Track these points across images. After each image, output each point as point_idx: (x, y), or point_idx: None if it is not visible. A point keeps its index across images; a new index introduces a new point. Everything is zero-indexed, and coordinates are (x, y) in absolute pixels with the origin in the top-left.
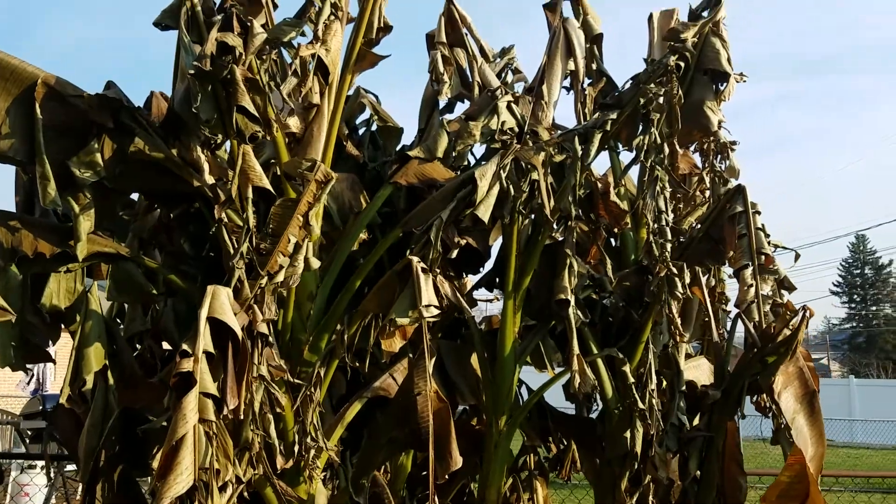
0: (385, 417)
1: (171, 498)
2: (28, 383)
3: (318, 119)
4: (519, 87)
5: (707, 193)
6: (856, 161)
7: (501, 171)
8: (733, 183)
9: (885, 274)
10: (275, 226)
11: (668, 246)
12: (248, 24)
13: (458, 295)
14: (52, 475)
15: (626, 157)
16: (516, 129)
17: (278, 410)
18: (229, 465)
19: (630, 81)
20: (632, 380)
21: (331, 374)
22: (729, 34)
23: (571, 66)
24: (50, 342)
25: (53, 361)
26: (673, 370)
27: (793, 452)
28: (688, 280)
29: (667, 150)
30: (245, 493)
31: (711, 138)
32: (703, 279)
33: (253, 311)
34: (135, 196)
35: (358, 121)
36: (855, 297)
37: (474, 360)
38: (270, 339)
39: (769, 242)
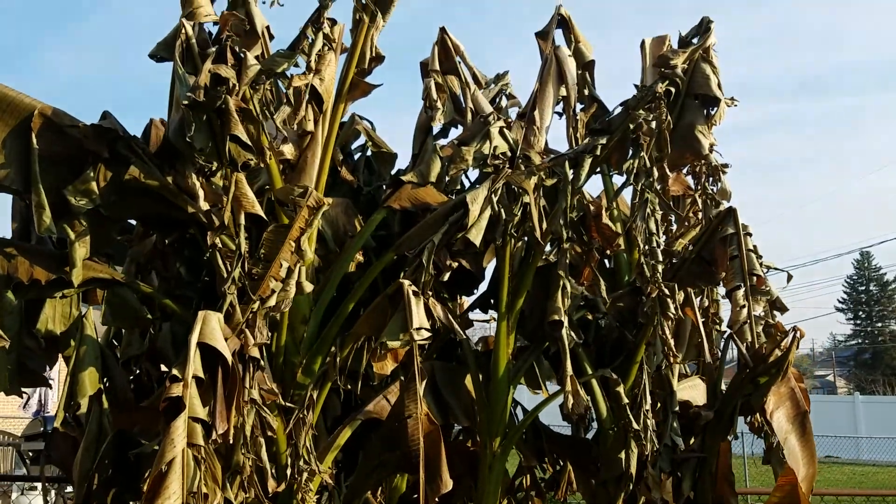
0: (377, 440)
1: None
2: (27, 405)
3: (313, 146)
4: (513, 112)
5: (700, 215)
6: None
7: (493, 196)
8: (725, 205)
9: (890, 290)
10: (267, 251)
11: (660, 267)
12: (242, 55)
13: (451, 317)
14: (49, 498)
15: (618, 179)
16: (508, 154)
17: (270, 434)
18: (217, 489)
19: (620, 107)
20: (626, 400)
21: (324, 396)
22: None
23: (563, 91)
24: (47, 367)
25: (50, 386)
26: (666, 391)
27: (784, 473)
28: (680, 301)
29: (657, 173)
30: None
31: (703, 161)
32: (696, 300)
33: (244, 336)
34: (131, 222)
35: (353, 146)
36: (860, 313)
37: (468, 381)
38: (262, 362)
39: (761, 264)
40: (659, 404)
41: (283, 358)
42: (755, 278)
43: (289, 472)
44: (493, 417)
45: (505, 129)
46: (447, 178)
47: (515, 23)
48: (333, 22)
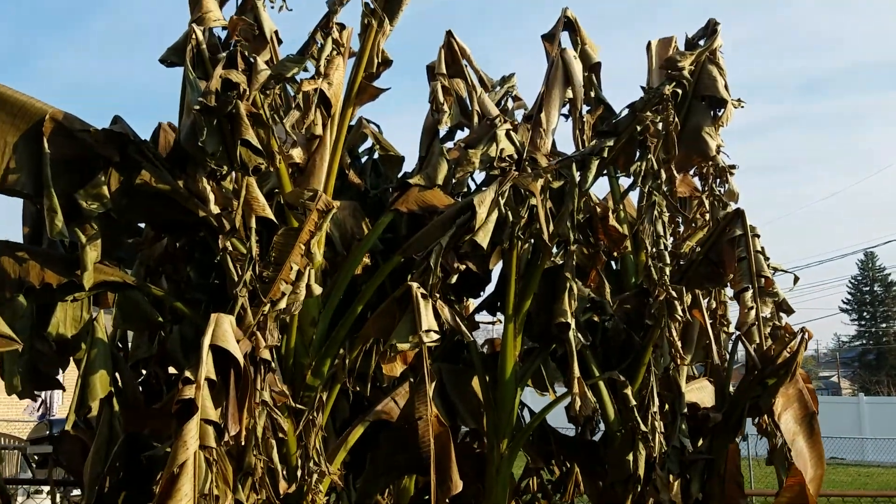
0: (387, 442)
1: None
2: (37, 409)
3: (321, 150)
4: (519, 114)
5: (707, 216)
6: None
7: (500, 198)
8: (732, 206)
9: (894, 291)
10: (277, 254)
11: (668, 269)
12: (252, 60)
13: (458, 319)
14: (57, 501)
15: (625, 181)
16: (515, 157)
17: (281, 435)
18: (228, 491)
19: (626, 109)
20: (633, 402)
21: (333, 398)
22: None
23: (570, 94)
24: (60, 369)
25: (63, 388)
26: (674, 392)
27: (792, 473)
28: (688, 303)
29: (664, 175)
30: None
31: (710, 163)
32: (704, 302)
33: (256, 338)
34: (141, 225)
35: (360, 150)
36: (864, 314)
37: (475, 383)
38: (273, 364)
39: (769, 265)
40: (667, 406)
41: (293, 360)
42: (763, 280)
43: (299, 473)
44: (501, 419)
45: (511, 132)
46: (454, 181)
47: (517, 24)
48: (342, 26)
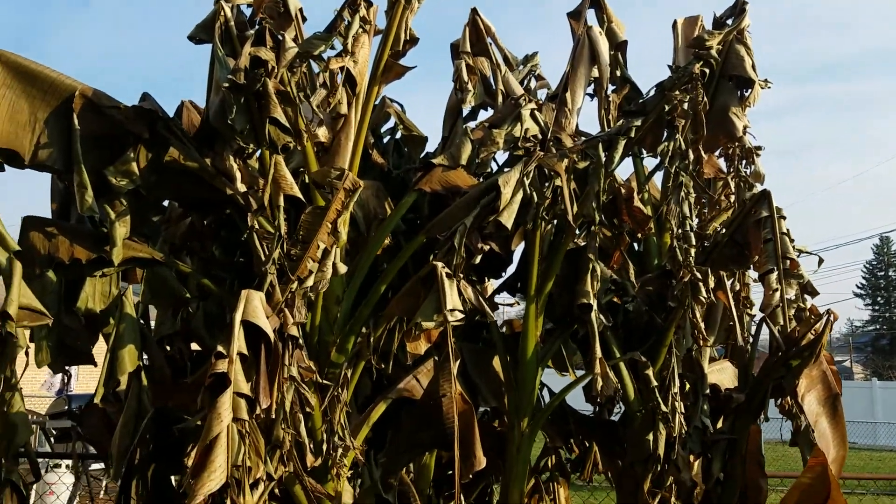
0: (410, 418)
1: (205, 495)
2: (50, 384)
3: (346, 129)
4: (542, 94)
5: (732, 198)
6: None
7: (525, 178)
8: (758, 187)
9: None
10: (305, 233)
11: (693, 251)
12: (280, 38)
13: (481, 299)
14: (79, 473)
15: (649, 162)
16: (539, 137)
17: (308, 410)
18: (260, 463)
19: (654, 88)
20: (654, 383)
21: (357, 375)
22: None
23: (595, 73)
24: (90, 345)
25: (94, 363)
26: (696, 374)
27: (814, 454)
28: (712, 284)
29: (692, 155)
30: (276, 490)
31: (736, 143)
32: (728, 283)
33: (284, 315)
34: (165, 203)
35: (383, 129)
36: (878, 299)
37: (496, 363)
38: (300, 341)
39: (794, 247)
40: (688, 387)
41: (318, 337)
42: (788, 262)
43: (324, 447)
44: (522, 399)
45: (536, 112)
46: (478, 161)
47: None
48: (370, 3)
